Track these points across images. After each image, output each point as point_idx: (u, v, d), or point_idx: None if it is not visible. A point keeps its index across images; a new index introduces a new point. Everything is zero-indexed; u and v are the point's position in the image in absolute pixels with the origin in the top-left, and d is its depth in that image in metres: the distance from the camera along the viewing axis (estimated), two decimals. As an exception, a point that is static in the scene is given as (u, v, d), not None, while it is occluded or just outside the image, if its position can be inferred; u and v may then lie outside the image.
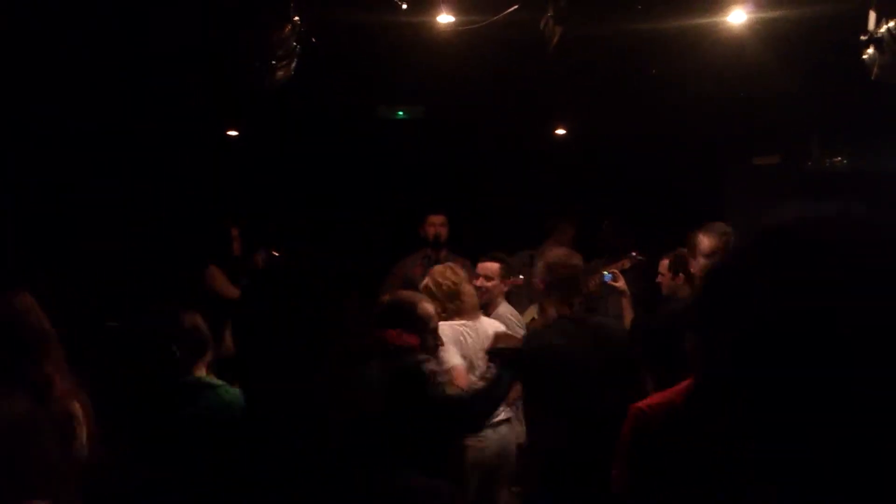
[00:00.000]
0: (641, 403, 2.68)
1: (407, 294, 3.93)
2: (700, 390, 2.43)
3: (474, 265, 6.71)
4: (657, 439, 2.51)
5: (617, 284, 5.28)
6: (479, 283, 5.22)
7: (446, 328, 4.40)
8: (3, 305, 2.70)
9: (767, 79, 5.70)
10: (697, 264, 4.13)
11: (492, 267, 5.39)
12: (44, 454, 2.42)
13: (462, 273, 4.88)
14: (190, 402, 3.31)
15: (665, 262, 5.26)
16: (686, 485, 2.39)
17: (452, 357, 4.39)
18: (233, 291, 6.10)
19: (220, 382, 3.44)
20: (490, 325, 4.66)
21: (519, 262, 7.00)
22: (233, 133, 7.79)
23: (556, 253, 4.33)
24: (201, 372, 3.46)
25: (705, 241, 4.21)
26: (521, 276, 6.75)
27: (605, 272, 5.48)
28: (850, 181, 6.75)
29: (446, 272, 4.75)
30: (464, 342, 4.56)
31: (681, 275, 5.01)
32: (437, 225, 6.63)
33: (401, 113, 7.46)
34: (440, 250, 6.60)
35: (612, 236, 7.29)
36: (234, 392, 3.44)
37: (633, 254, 5.65)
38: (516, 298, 6.85)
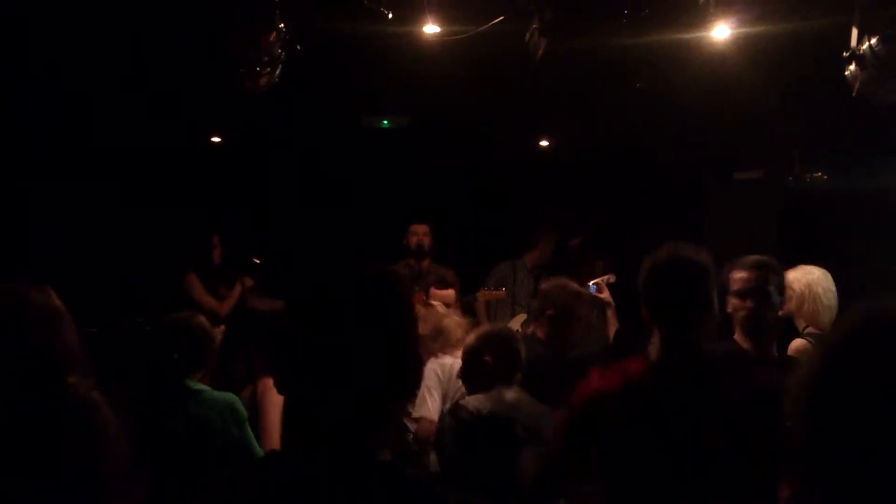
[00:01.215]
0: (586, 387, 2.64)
1: None
2: (660, 372, 2.52)
3: (458, 274, 6.74)
4: (612, 418, 2.52)
5: (602, 296, 5.32)
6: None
7: (432, 365, 4.32)
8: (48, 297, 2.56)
9: (750, 94, 5.74)
10: (730, 304, 3.31)
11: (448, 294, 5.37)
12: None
13: (442, 308, 4.80)
14: (174, 412, 3.29)
15: None
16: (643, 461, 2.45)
17: (422, 405, 4.25)
18: (210, 301, 6.06)
19: (205, 387, 3.42)
20: None
21: (500, 273, 7.01)
22: (216, 139, 7.76)
23: (549, 283, 4.53)
24: (195, 379, 3.44)
25: (737, 277, 3.39)
26: (503, 289, 6.77)
27: (591, 283, 5.52)
28: (831, 196, 6.80)
29: (422, 311, 4.62)
30: (449, 380, 4.33)
31: None
32: (420, 234, 6.64)
33: (385, 122, 7.46)
34: (423, 260, 6.61)
35: (581, 255, 7.32)
36: (219, 395, 3.41)
37: (610, 276, 5.66)
38: (500, 310, 6.86)
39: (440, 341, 4.50)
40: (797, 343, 3.81)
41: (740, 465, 2.40)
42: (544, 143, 8.03)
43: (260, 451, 3.33)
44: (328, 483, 1.30)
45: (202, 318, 3.64)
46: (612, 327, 5.18)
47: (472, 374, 3.53)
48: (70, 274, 6.15)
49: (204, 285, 6.18)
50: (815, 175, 6.92)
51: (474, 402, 3.34)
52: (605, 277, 5.61)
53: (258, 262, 6.60)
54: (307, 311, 1.39)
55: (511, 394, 3.40)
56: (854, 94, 4.63)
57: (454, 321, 4.65)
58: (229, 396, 3.41)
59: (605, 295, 5.31)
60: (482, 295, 6.67)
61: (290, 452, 1.38)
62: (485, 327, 3.95)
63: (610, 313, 5.28)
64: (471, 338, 3.65)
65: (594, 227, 7.43)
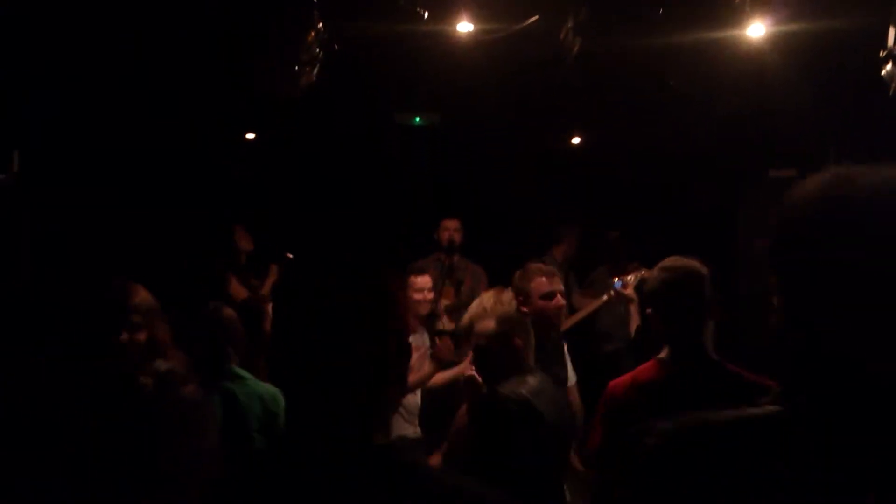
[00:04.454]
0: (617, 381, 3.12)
1: None
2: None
3: (487, 271, 6.76)
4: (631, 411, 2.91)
5: (626, 292, 5.37)
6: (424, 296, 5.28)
7: None
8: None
9: (785, 92, 5.71)
10: None
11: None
12: None
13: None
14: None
15: None
16: None
17: None
18: (242, 292, 6.13)
19: (248, 375, 3.48)
20: None
21: None
22: (250, 136, 7.83)
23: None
24: (235, 363, 3.52)
25: None
26: None
27: (616, 280, 5.57)
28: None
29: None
30: None
31: None
32: (451, 230, 6.66)
33: (417, 119, 7.49)
34: (453, 255, 6.63)
35: (617, 249, 7.34)
36: (262, 385, 3.46)
37: (641, 271, 5.69)
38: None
39: None
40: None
41: None
42: (576, 140, 8.02)
43: None
44: (323, 471, 1.35)
45: (229, 311, 3.71)
46: (634, 323, 5.23)
47: (500, 359, 3.41)
48: (103, 270, 6.24)
49: (237, 279, 6.27)
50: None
51: (513, 387, 3.25)
52: (638, 273, 5.64)
53: (291, 256, 6.66)
54: (296, 301, 1.44)
55: (534, 379, 3.34)
56: (891, 94, 4.60)
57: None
58: (272, 389, 3.46)
59: (629, 292, 5.36)
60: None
61: (290, 443, 1.44)
62: (501, 311, 3.88)
63: (633, 309, 5.33)
64: (489, 323, 3.55)
65: (628, 223, 7.44)
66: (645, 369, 3.03)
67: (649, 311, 3.09)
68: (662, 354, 3.01)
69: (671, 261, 3.05)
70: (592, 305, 6.28)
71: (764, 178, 7.11)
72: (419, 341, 5.07)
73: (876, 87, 4.74)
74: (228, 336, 3.59)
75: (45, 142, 6.08)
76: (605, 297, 6.05)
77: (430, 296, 5.40)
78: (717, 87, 5.70)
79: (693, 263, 3.01)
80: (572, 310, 6.72)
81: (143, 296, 2.73)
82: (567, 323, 6.28)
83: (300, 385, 1.41)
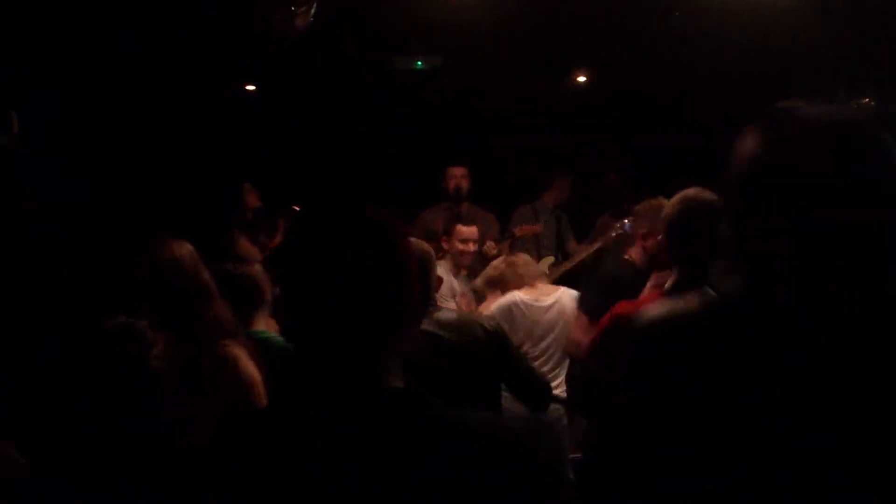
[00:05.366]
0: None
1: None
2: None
3: (499, 218, 6.69)
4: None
5: None
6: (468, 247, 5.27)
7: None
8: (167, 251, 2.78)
9: (792, 18, 5.59)
10: None
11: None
12: None
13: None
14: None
15: None
16: None
17: None
18: (254, 253, 6.08)
19: (270, 334, 3.42)
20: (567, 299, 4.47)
21: (522, 216, 6.95)
22: (251, 87, 7.74)
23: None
24: (260, 325, 3.44)
25: None
26: (537, 223, 6.76)
27: (626, 220, 5.51)
28: (879, 122, 6.60)
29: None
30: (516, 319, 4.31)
31: None
32: (458, 177, 6.56)
33: (419, 63, 7.36)
34: (462, 203, 6.54)
35: (616, 190, 7.26)
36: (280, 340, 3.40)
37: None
38: (525, 250, 6.82)
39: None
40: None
41: None
42: (581, 78, 7.91)
43: None
44: (342, 417, 1.34)
45: (255, 269, 3.64)
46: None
47: None
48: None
49: (246, 236, 6.22)
50: (862, 101, 6.73)
51: None
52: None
53: (298, 209, 6.61)
54: (306, 252, 1.41)
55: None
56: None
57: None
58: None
59: None
60: (520, 231, 6.64)
61: (301, 395, 1.41)
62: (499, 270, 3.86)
63: None
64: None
65: (629, 162, 7.37)
66: (647, 300, 3.11)
67: (661, 237, 3.12)
68: (667, 285, 3.04)
69: (693, 191, 3.05)
70: (586, 251, 6.21)
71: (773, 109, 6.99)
72: (465, 287, 5.13)
73: (884, 12, 4.62)
74: (247, 296, 3.51)
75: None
76: (599, 243, 5.98)
77: (474, 247, 5.39)
78: (723, 16, 5.59)
79: (712, 197, 3.00)
80: (567, 258, 6.67)
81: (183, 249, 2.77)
82: (558, 270, 6.22)
83: (310, 332, 1.39)
